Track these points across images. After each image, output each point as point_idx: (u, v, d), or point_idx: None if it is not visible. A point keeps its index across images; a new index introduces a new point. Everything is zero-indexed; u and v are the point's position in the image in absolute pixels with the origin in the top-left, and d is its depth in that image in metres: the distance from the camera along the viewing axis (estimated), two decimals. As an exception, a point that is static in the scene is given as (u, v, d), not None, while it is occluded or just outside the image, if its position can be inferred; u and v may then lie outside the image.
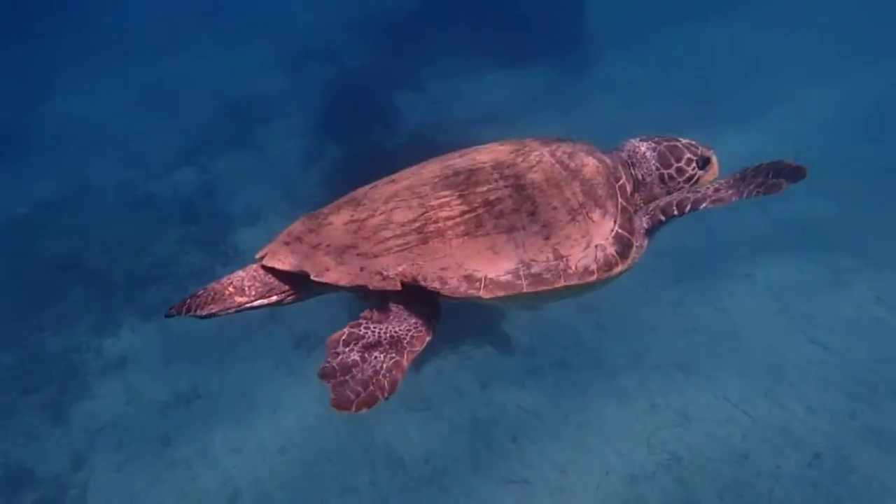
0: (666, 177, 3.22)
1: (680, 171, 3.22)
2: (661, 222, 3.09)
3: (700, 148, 3.27)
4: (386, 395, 2.60)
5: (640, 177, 3.23)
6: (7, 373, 8.10)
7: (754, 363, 7.57)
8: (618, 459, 6.99)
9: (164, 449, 7.26)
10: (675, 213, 3.04)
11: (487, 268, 2.76)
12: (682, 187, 3.25)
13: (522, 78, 13.81)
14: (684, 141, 3.29)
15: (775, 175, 2.96)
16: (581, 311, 8.27)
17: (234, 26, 16.92)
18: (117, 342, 8.49)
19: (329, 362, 2.66)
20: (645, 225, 3.10)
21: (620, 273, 2.96)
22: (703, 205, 3.02)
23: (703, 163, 3.25)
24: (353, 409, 2.55)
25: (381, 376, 2.63)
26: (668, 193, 3.25)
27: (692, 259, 8.72)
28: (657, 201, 3.16)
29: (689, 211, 3.05)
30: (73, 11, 17.03)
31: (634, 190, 3.19)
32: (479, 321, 8.27)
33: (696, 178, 3.25)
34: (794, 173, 2.92)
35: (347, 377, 2.62)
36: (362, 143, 11.09)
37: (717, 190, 3.05)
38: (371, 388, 2.60)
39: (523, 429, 7.31)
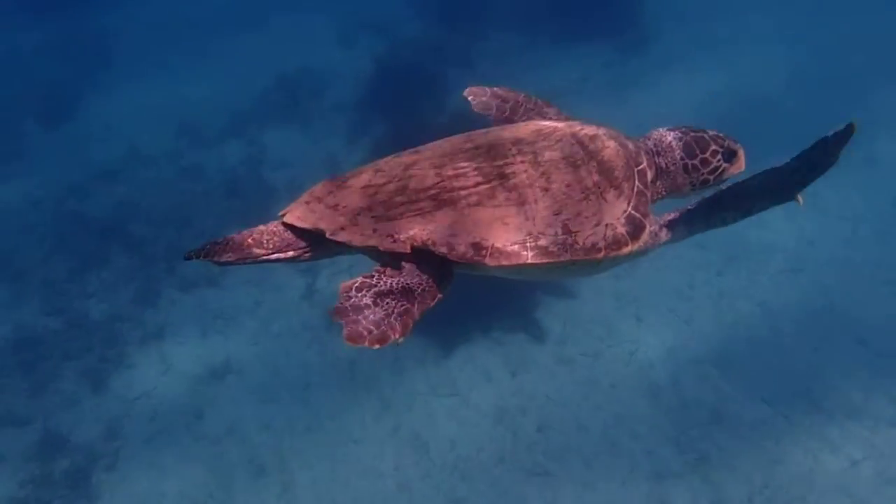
0: (690, 167, 3.24)
1: (704, 162, 3.24)
2: (681, 222, 3.12)
3: (727, 140, 3.28)
4: (398, 335, 2.62)
5: (664, 165, 3.25)
6: (53, 337, 8.31)
7: (796, 364, 7.31)
8: (645, 457, 6.84)
9: (194, 422, 7.36)
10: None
11: (495, 237, 2.82)
12: (707, 178, 3.27)
13: (576, 55, 13.40)
14: (711, 133, 3.30)
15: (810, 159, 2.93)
16: (618, 303, 8.08)
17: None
18: (157, 313, 8.60)
19: (342, 303, 2.71)
20: (669, 217, 3.14)
21: (631, 254, 2.99)
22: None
23: (729, 155, 3.27)
24: (367, 343, 2.57)
25: (392, 318, 2.66)
26: (692, 184, 3.29)
27: (739, 252, 8.42)
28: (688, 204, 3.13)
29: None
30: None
31: (657, 178, 3.23)
32: (513, 305, 8.14)
33: (721, 169, 3.27)
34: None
35: (360, 317, 2.66)
36: (408, 118, 10.92)
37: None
38: (383, 328, 2.62)
39: (550, 419, 7.20)
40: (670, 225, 3.14)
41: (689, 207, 3.12)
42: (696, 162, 3.24)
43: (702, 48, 12.73)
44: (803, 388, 7.04)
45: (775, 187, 3.08)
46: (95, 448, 7.18)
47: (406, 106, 11.95)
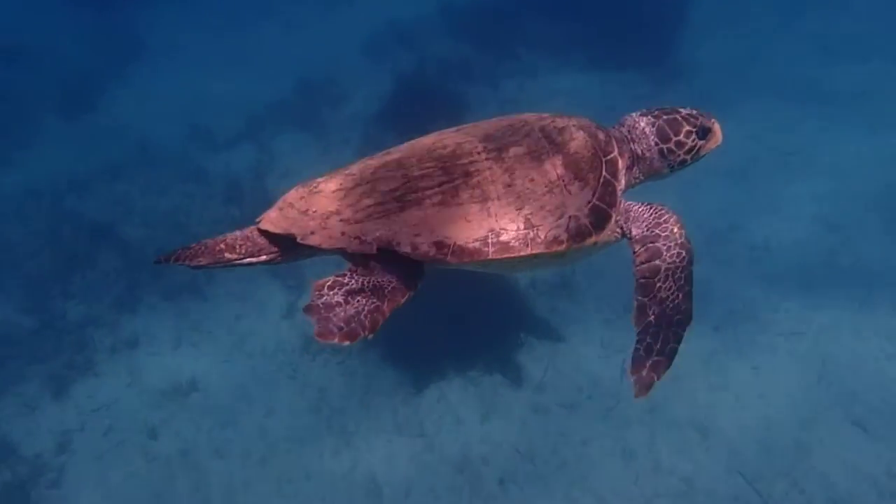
0: (665, 151, 3.23)
1: (679, 143, 3.22)
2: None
3: (700, 118, 3.25)
4: (367, 332, 2.67)
5: (639, 152, 3.24)
6: (26, 337, 7.97)
7: (782, 437, 6.64)
8: (609, 525, 6.26)
9: (148, 441, 6.93)
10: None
11: (458, 235, 2.85)
12: (685, 159, 3.26)
13: (606, 83, 12.72)
14: (684, 112, 3.27)
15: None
16: (605, 351, 7.48)
17: (328, 2, 16.47)
18: (134, 319, 8.23)
19: (314, 301, 2.74)
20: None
21: (596, 244, 2.99)
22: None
23: (704, 132, 3.25)
24: (336, 339, 2.61)
25: (362, 316, 2.70)
26: (670, 166, 3.28)
27: (738, 307, 7.76)
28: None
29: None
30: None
31: (632, 164, 3.22)
32: (494, 344, 7.62)
33: (696, 148, 3.25)
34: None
35: (330, 314, 2.68)
36: (422, 135, 10.49)
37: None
38: (353, 325, 2.66)
39: (514, 473, 6.62)
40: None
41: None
42: (671, 145, 3.21)
43: (737, 91, 11.89)
44: (786, 467, 6.37)
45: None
46: (43, 461, 6.78)
47: (423, 123, 11.23)
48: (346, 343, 2.62)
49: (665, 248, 3.00)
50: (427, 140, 3.13)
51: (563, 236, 2.90)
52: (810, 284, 7.91)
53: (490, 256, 2.84)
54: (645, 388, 2.81)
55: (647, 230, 3.04)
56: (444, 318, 7.70)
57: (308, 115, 11.92)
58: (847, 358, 7.07)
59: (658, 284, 2.97)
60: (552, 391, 7.18)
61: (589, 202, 2.96)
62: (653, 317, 2.92)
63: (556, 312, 7.92)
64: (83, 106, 12.27)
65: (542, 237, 2.89)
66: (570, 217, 2.92)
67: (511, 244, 2.86)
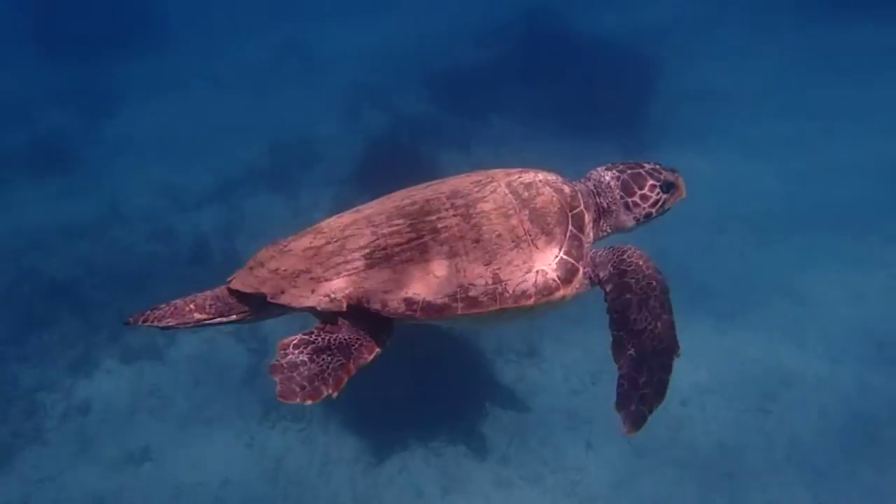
0: (630, 204, 3.25)
1: (644, 197, 3.25)
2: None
3: (664, 172, 3.29)
4: (331, 390, 2.62)
5: (605, 205, 3.26)
6: (-28, 403, 7.65)
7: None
8: None
9: (94, 517, 6.60)
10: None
11: (426, 291, 2.84)
12: (650, 212, 3.28)
13: (577, 151, 12.72)
14: (648, 167, 3.31)
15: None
16: (571, 423, 7.27)
17: (303, 64, 16.56)
18: (90, 384, 7.90)
19: (278, 360, 2.71)
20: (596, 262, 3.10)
21: (564, 298, 2.97)
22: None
23: (668, 186, 3.28)
24: (298, 399, 2.57)
25: (327, 374, 2.65)
26: (636, 219, 3.29)
27: (711, 381, 7.59)
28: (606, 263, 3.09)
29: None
30: (152, 39, 17.00)
31: (599, 218, 3.25)
32: (459, 414, 7.38)
33: (661, 202, 3.28)
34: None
35: (294, 373, 2.65)
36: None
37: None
38: (316, 383, 2.62)
39: (474, 552, 6.34)
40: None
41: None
42: (635, 199, 3.23)
43: (708, 162, 11.92)
44: None
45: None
46: (-20, 536, 6.45)
47: (394, 185, 11.18)
48: (309, 402, 2.58)
49: (633, 280, 2.99)
50: (396, 197, 3.14)
51: (531, 291, 2.89)
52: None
53: (459, 312, 2.84)
54: (635, 423, 2.72)
55: (613, 269, 3.05)
56: (410, 385, 7.49)
57: (280, 176, 11.81)
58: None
59: (632, 317, 2.91)
60: (516, 464, 6.93)
61: (556, 256, 2.97)
62: (633, 350, 2.86)
63: (522, 381, 7.71)
64: (54, 164, 12.11)
65: (510, 292, 2.87)
66: (537, 272, 2.92)
67: (479, 299, 2.85)
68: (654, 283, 2.97)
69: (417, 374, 7.56)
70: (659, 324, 2.89)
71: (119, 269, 9.39)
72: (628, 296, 2.95)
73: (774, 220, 10.01)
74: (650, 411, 2.73)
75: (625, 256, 3.06)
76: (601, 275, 3.06)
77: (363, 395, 7.47)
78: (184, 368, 8.12)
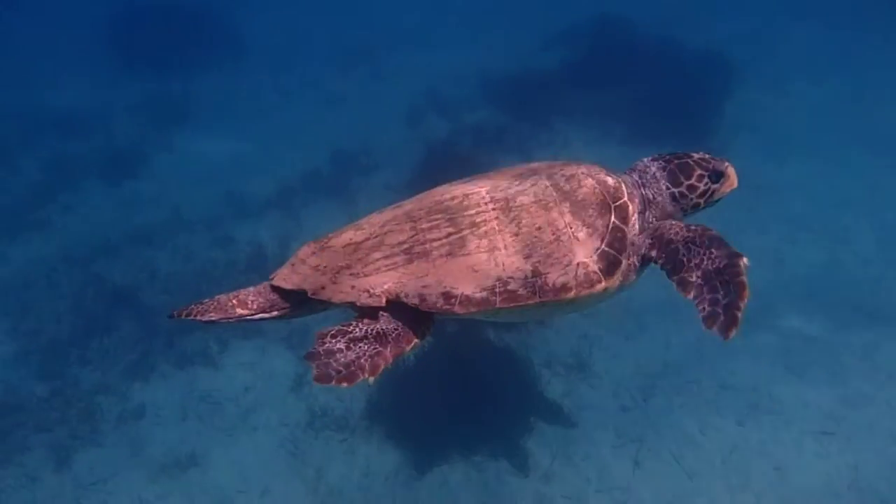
0: (677, 195, 3.13)
1: (691, 188, 3.12)
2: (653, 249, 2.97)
3: (713, 161, 3.17)
4: (366, 374, 2.62)
5: (650, 196, 3.13)
6: (36, 404, 7.79)
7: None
8: None
9: (140, 519, 6.65)
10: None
11: (465, 285, 2.80)
12: (698, 202, 3.16)
13: (641, 157, 12.31)
14: (696, 156, 3.18)
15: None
16: (619, 440, 6.92)
17: (370, 73, 16.58)
18: (145, 387, 8.00)
19: (316, 348, 2.74)
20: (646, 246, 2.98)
21: (606, 290, 2.87)
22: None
23: (717, 176, 3.15)
24: (334, 383, 2.56)
25: (363, 360, 2.65)
26: (683, 210, 3.17)
27: (765, 400, 7.11)
28: (662, 228, 2.99)
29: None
30: (227, 50, 17.32)
31: (645, 209, 3.10)
32: (504, 427, 7.14)
33: (710, 192, 3.16)
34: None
35: (331, 359, 2.66)
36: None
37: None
38: (353, 368, 2.62)
39: (513, 571, 6.08)
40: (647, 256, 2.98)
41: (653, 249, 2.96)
42: (682, 189, 3.11)
43: (777, 169, 11.27)
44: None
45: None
46: (33, 536, 6.57)
47: (452, 192, 11.24)
48: (345, 385, 2.56)
49: (672, 233, 2.92)
50: (436, 192, 3.13)
51: (572, 283, 2.82)
52: (844, 378, 7.21)
53: (497, 305, 2.79)
54: (729, 326, 2.59)
55: (652, 238, 2.99)
56: (454, 398, 7.30)
57: (339, 184, 11.80)
58: (881, 464, 6.32)
59: (683, 258, 2.83)
60: (559, 482, 6.62)
61: (598, 248, 2.89)
62: (698, 278, 2.76)
63: (570, 396, 7.40)
64: (126, 172, 12.42)
65: (550, 285, 2.81)
66: (578, 264, 2.85)
67: (518, 293, 2.79)
68: (695, 227, 2.92)
69: (462, 387, 7.37)
70: (713, 248, 2.80)
71: (179, 275, 9.52)
72: (673, 246, 2.88)
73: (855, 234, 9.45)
74: (740, 309, 2.60)
75: (659, 227, 3.01)
76: (643, 252, 2.98)
77: (406, 407, 7.36)
78: (235, 374, 8.13)
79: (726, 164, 3.20)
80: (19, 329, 8.84)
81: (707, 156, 3.22)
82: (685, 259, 2.82)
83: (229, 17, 18.28)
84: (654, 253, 2.94)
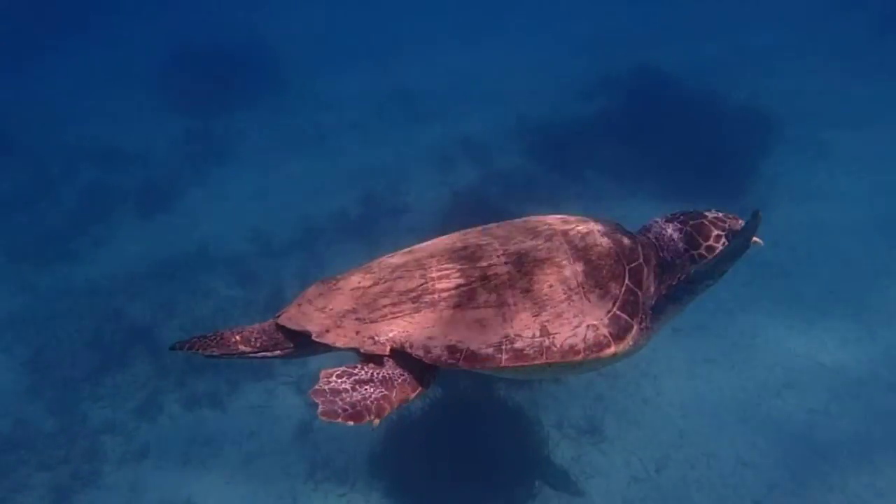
0: (696, 256, 3.05)
1: (710, 248, 3.04)
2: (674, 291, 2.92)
3: (728, 220, 3.11)
4: (372, 416, 2.54)
5: (669, 259, 3.07)
6: (42, 441, 7.68)
7: None
8: None
9: (129, 567, 6.43)
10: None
11: (471, 339, 2.70)
12: None
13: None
14: (710, 216, 3.12)
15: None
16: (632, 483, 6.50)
17: (407, 115, 16.53)
18: (151, 428, 7.85)
19: (321, 386, 2.66)
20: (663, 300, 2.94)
21: (615, 355, 2.78)
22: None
23: (733, 235, 3.05)
24: (341, 419, 2.49)
25: (369, 402, 2.57)
26: None
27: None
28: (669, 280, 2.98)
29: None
30: (268, 90, 17.51)
31: (663, 272, 3.03)
32: (505, 489, 6.78)
33: None
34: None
35: (336, 398, 2.58)
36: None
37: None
38: (359, 408, 2.54)
39: None
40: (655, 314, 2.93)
41: (663, 294, 2.91)
42: (701, 251, 3.04)
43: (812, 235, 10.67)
44: None
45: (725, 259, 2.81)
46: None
47: (476, 239, 11.00)
48: (351, 423, 2.47)
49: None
50: (448, 240, 3.07)
51: (580, 346, 2.73)
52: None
53: (503, 364, 2.69)
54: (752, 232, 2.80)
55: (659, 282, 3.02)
56: (459, 456, 6.96)
57: (366, 225, 11.65)
58: None
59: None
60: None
61: (609, 311, 2.79)
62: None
63: (578, 462, 7.01)
64: (159, 206, 12.52)
65: (558, 346, 2.72)
66: (588, 326, 2.75)
67: (525, 351, 2.70)
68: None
69: (468, 445, 7.03)
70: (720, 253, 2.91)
71: (197, 313, 9.42)
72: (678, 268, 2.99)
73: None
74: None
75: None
76: (657, 292, 2.96)
77: (408, 462, 7.04)
78: (241, 418, 7.94)
79: (740, 221, 3.11)
80: (37, 361, 8.81)
81: (720, 214, 3.16)
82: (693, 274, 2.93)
83: (272, 59, 18.52)
84: (664, 290, 2.94)
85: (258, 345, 3.03)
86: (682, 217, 3.16)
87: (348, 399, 2.59)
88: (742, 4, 20.81)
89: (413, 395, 2.73)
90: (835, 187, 11.81)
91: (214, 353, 3.02)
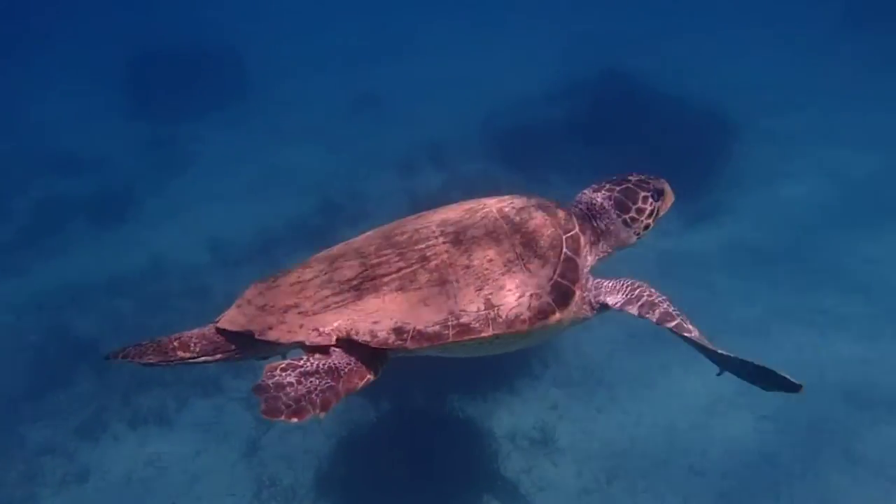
0: (629, 220, 3.15)
1: (640, 210, 3.15)
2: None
3: (651, 181, 3.21)
4: (318, 411, 2.50)
5: (603, 227, 3.15)
6: (-26, 465, 7.40)
7: None
8: None
9: None
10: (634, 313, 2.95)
11: (417, 320, 2.71)
12: (648, 223, 3.18)
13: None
14: (634, 179, 3.22)
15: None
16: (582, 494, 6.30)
17: (372, 119, 16.29)
18: (93, 449, 7.54)
19: (264, 381, 2.59)
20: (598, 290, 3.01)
21: (560, 322, 2.86)
22: (667, 324, 2.89)
23: (658, 194, 3.19)
24: (283, 417, 2.45)
25: (314, 395, 2.53)
26: (637, 234, 3.18)
27: None
28: (606, 283, 3.04)
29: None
30: (234, 97, 17.20)
31: (598, 240, 3.13)
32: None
33: (656, 210, 3.19)
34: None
35: (280, 393, 2.53)
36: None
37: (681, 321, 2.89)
38: (303, 403, 2.50)
39: None
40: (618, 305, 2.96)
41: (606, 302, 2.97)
42: (632, 214, 3.14)
43: (772, 235, 10.62)
44: None
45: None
46: None
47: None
48: (295, 420, 2.43)
49: (658, 300, 2.94)
50: (385, 228, 3.06)
51: (525, 315, 2.76)
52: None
53: (450, 339, 2.70)
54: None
55: (629, 293, 2.97)
56: (407, 472, 6.74)
57: (324, 233, 11.30)
58: None
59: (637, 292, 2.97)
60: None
61: (550, 279, 2.84)
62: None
63: (529, 474, 6.80)
64: (114, 215, 12.16)
65: (504, 317, 2.74)
66: (531, 295, 2.79)
67: (472, 325, 2.72)
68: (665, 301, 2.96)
69: (416, 460, 6.81)
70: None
71: (145, 326, 9.03)
72: (663, 307, 2.92)
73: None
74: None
75: (636, 286, 3.00)
76: (612, 301, 2.96)
77: (356, 478, 6.81)
78: (188, 436, 7.66)
79: (662, 180, 3.23)
80: (-21, 384, 8.46)
81: (643, 176, 3.25)
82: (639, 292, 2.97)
83: (237, 65, 18.22)
84: (631, 309, 2.93)
85: (198, 349, 2.89)
86: (607, 185, 3.21)
87: (292, 394, 2.52)
88: (708, 5, 20.86)
89: (361, 384, 2.65)
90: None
91: (152, 361, 2.86)
